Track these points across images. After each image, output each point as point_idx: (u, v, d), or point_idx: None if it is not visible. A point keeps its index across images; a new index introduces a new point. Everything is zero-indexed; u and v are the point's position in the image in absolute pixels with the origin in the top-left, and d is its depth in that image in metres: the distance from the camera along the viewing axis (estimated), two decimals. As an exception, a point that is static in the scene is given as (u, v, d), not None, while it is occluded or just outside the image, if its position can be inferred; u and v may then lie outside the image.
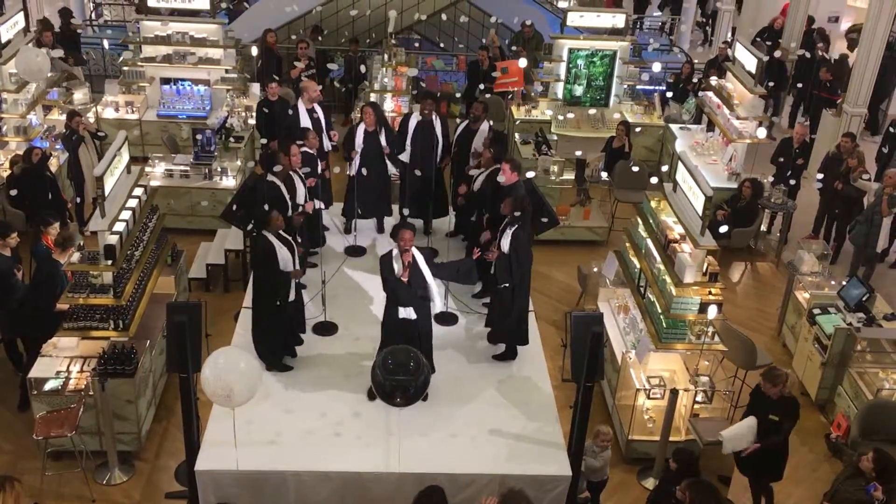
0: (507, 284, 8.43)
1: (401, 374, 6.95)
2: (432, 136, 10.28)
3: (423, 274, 7.94)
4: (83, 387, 8.01)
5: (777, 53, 14.32)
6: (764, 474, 7.92)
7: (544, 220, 9.46)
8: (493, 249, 8.48)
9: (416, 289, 7.88)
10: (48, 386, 8.04)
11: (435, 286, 8.11)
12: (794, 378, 9.98)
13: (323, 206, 10.13)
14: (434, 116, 10.33)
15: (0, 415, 8.83)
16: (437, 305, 8.34)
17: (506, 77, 14.22)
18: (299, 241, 8.83)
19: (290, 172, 9.27)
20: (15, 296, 8.59)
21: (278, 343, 8.38)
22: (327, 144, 10.82)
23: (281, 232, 8.21)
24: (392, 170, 10.59)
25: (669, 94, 15.12)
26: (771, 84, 13.71)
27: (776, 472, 7.90)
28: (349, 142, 10.24)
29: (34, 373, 8.15)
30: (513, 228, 8.35)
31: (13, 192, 10.40)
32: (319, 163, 10.14)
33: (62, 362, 8.29)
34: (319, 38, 15.96)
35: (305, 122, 10.65)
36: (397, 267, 7.89)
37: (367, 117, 10.18)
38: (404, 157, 10.46)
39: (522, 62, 13.96)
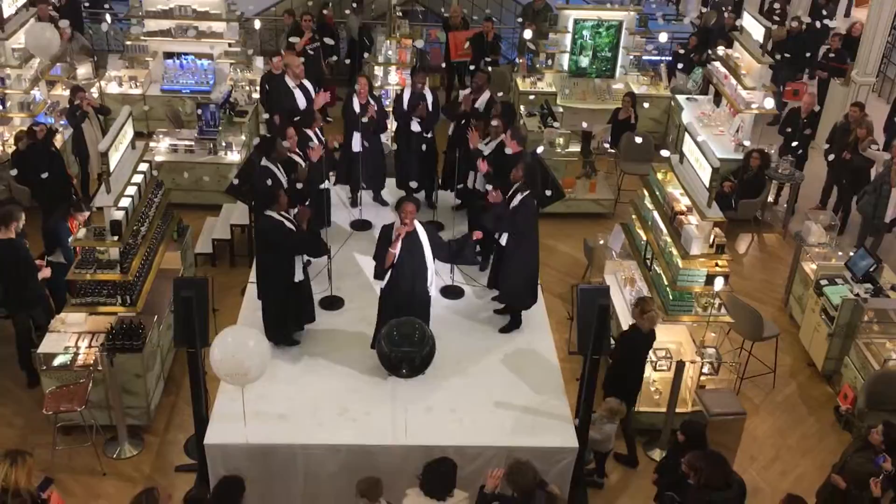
0: (489, 231, 8.53)
1: (406, 346, 6.96)
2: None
3: (421, 250, 7.81)
4: (92, 362, 8.05)
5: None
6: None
7: (549, 193, 9.43)
8: (497, 194, 8.47)
9: (406, 268, 7.76)
10: (57, 361, 8.08)
11: (431, 265, 7.98)
12: (801, 348, 10.02)
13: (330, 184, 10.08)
14: (426, 90, 10.32)
15: (10, 390, 8.90)
16: (431, 288, 8.10)
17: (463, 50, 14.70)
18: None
19: (290, 155, 9.26)
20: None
21: (289, 319, 8.35)
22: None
23: (284, 213, 8.15)
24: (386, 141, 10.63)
25: (680, 66, 14.96)
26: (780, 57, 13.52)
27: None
28: (350, 113, 10.20)
29: (43, 348, 8.18)
30: (522, 195, 8.35)
31: (13, 172, 10.35)
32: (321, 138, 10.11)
33: (70, 338, 8.32)
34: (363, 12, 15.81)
35: (301, 101, 10.60)
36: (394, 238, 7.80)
37: (361, 88, 10.15)
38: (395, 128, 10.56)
39: (527, 34, 13.85)
